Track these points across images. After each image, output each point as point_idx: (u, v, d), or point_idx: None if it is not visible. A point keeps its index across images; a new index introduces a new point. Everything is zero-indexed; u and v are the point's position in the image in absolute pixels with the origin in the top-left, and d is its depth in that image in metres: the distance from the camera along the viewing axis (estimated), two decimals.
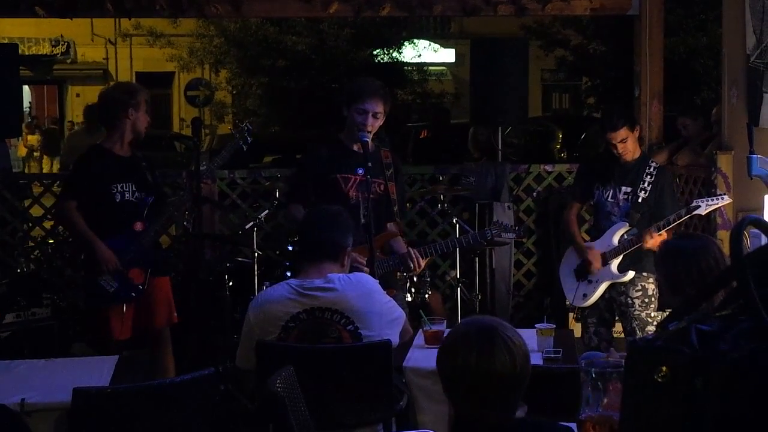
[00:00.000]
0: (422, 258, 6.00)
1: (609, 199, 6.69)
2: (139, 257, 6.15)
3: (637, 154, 6.70)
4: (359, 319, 4.52)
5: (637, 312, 6.61)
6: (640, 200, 6.58)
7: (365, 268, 5.43)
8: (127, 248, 6.13)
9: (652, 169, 6.66)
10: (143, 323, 6.30)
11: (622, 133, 6.52)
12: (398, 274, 6.63)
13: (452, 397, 3.03)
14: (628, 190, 6.63)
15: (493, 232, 6.43)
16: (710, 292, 2.04)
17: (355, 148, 5.93)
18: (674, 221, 6.39)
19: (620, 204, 6.64)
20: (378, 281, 4.79)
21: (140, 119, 6.27)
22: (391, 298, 4.77)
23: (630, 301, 6.64)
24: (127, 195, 6.21)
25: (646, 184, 6.59)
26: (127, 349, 6.13)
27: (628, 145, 6.56)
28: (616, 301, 6.71)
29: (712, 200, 6.45)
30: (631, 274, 6.58)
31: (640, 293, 6.61)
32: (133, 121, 6.26)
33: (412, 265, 5.96)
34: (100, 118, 6.94)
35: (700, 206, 6.37)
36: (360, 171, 5.84)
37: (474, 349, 2.94)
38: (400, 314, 4.73)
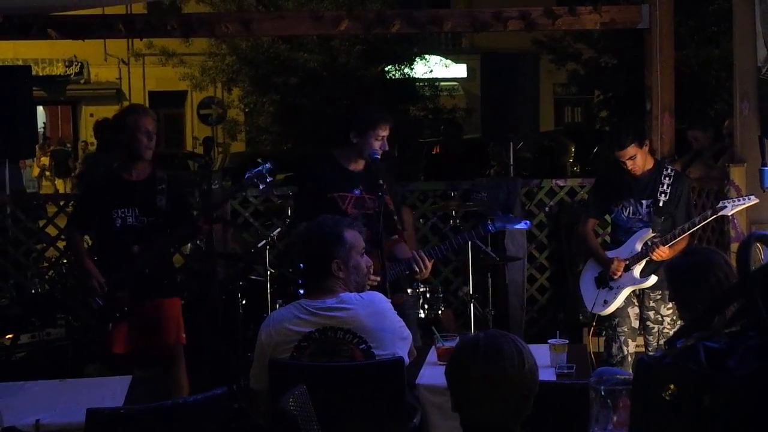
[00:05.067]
0: (428, 259, 6.15)
1: (630, 216, 6.64)
2: (130, 279, 6.18)
3: (650, 165, 6.65)
4: (372, 337, 4.51)
5: (666, 330, 6.53)
6: (661, 204, 6.52)
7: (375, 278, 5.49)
8: (120, 270, 6.18)
9: (669, 170, 6.64)
10: (150, 342, 6.33)
11: (630, 150, 6.49)
12: (410, 291, 6.66)
13: (461, 407, 3.03)
14: (649, 202, 6.58)
15: (497, 224, 6.51)
16: (717, 309, 2.04)
17: (352, 167, 6.23)
18: (689, 229, 6.35)
19: (644, 218, 6.59)
20: (390, 300, 4.79)
21: (134, 141, 6.29)
22: (401, 319, 4.75)
23: (660, 318, 6.58)
24: (129, 220, 6.27)
25: (665, 187, 6.53)
26: (139, 369, 6.14)
27: (637, 161, 6.53)
28: (644, 315, 6.65)
29: (739, 201, 6.36)
30: (653, 278, 6.49)
31: (670, 311, 6.53)
32: (127, 144, 6.29)
33: (418, 268, 6.12)
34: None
35: (726, 207, 6.30)
36: (357, 192, 6.13)
37: (481, 352, 2.96)
38: (409, 335, 4.73)
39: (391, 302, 5.29)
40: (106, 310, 6.19)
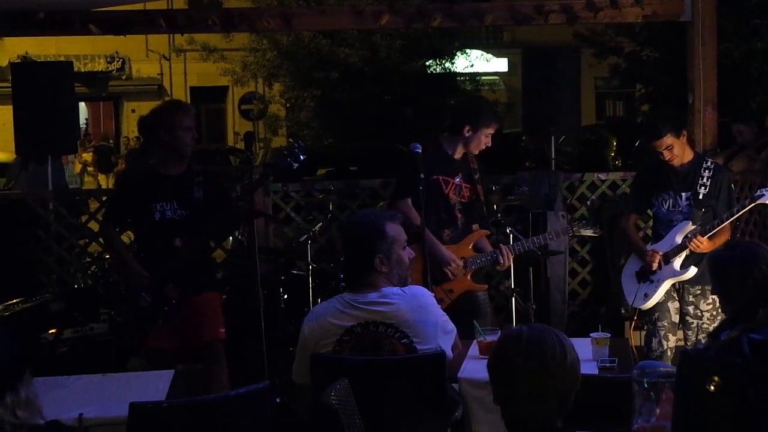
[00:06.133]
0: (511, 254, 6.66)
1: (670, 209, 6.59)
2: (174, 273, 6.18)
3: (689, 157, 6.58)
4: (414, 332, 4.51)
5: (705, 325, 6.47)
6: (701, 197, 6.47)
7: (458, 262, 6.42)
8: (164, 264, 6.18)
9: (710, 163, 6.57)
10: (189, 337, 6.33)
11: (667, 140, 6.42)
12: None
13: (503, 400, 3.03)
14: (689, 194, 6.52)
15: (575, 226, 7.06)
16: (761, 301, 2.02)
17: (456, 155, 6.63)
18: (727, 219, 6.30)
19: (684, 210, 6.54)
20: (433, 295, 4.79)
21: (176, 139, 6.30)
22: (444, 313, 4.75)
23: (699, 314, 6.52)
24: (168, 213, 6.25)
25: (705, 180, 6.47)
26: (181, 364, 6.16)
27: (674, 151, 6.46)
28: (684, 310, 6.60)
29: None
30: (693, 269, 6.43)
31: (710, 306, 6.47)
32: (168, 141, 6.29)
33: (502, 260, 6.59)
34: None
35: (764, 194, 6.24)
36: (457, 179, 6.65)
37: (524, 345, 2.96)
38: (453, 328, 4.73)
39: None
40: (155, 305, 6.20)
